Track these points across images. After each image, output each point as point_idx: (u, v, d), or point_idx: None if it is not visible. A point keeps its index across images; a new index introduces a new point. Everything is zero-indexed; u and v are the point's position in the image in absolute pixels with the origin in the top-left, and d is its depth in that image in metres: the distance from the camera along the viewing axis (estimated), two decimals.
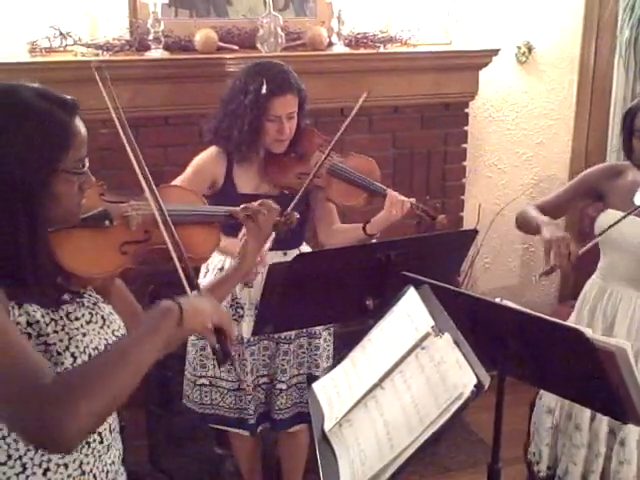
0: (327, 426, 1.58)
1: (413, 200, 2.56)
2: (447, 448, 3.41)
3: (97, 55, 2.98)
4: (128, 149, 1.60)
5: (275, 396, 2.74)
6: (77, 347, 1.42)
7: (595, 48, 3.95)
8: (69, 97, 1.42)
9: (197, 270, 2.71)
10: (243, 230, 2.02)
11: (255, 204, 1.96)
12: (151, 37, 3.00)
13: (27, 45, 2.93)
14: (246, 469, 2.98)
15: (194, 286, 1.57)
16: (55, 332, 1.41)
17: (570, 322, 2.53)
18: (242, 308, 2.65)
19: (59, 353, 1.38)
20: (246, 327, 2.64)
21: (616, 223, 2.31)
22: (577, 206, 2.63)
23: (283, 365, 2.72)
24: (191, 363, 2.75)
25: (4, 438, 1.38)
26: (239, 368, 2.65)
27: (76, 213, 1.48)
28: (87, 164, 1.44)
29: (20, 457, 1.39)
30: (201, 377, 2.72)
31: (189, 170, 2.58)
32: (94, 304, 1.54)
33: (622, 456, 2.46)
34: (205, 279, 2.67)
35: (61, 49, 2.96)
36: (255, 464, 3.01)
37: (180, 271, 1.57)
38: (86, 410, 1.21)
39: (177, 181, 2.50)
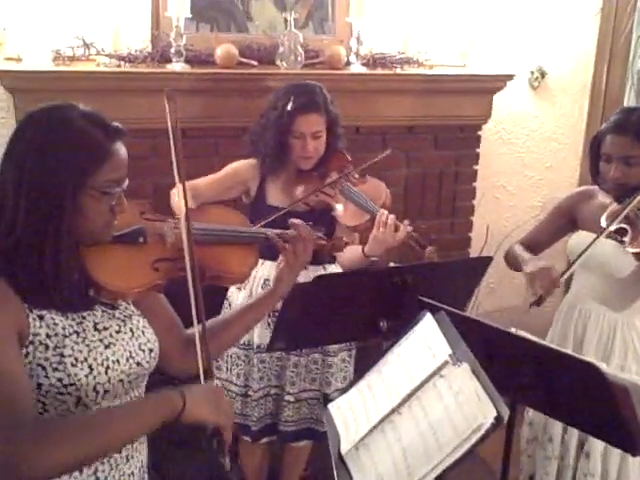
0: (344, 448, 1.60)
1: (410, 229, 2.51)
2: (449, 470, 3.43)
3: (119, 66, 3.02)
4: (174, 163, 1.61)
5: (282, 407, 2.77)
6: (95, 359, 1.47)
7: (607, 76, 4.01)
8: (115, 123, 1.47)
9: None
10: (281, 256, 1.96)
11: (291, 231, 1.90)
12: (173, 50, 3.03)
13: (52, 54, 2.96)
14: (252, 479, 3.01)
15: (208, 375, 1.54)
16: (75, 343, 1.45)
17: (547, 340, 2.60)
18: None
19: (73, 365, 1.43)
20: (257, 332, 2.66)
21: (588, 247, 2.36)
22: (558, 236, 2.70)
23: (292, 377, 2.74)
24: None
25: None
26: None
27: (105, 233, 1.51)
28: (124, 187, 1.49)
29: None
30: None
31: (221, 171, 2.69)
32: (127, 317, 1.58)
33: (586, 468, 2.52)
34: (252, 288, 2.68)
35: (84, 58, 3.00)
36: (261, 475, 3.03)
37: (193, 301, 1.54)
38: (55, 461, 1.28)
39: (206, 178, 2.64)
